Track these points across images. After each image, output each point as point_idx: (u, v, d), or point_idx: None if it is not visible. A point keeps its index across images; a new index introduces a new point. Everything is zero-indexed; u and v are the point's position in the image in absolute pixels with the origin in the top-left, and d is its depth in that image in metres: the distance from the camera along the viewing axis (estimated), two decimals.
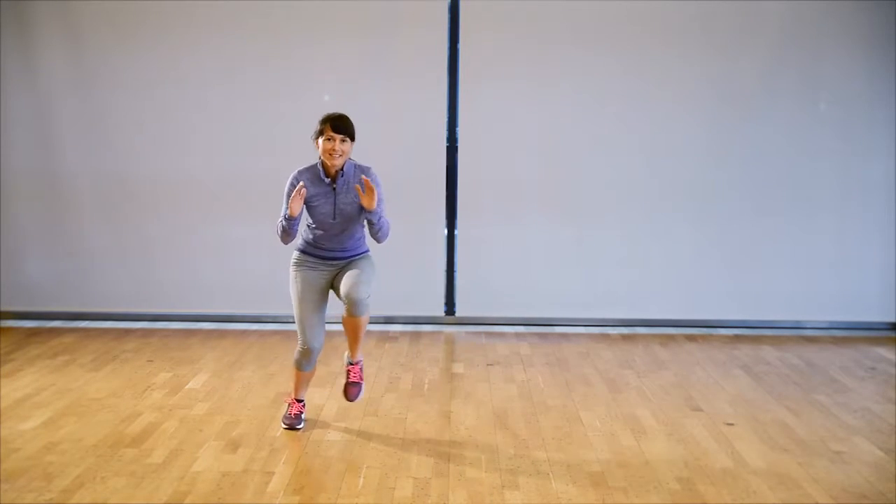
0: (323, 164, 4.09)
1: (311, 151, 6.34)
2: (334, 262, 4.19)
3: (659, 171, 6.41)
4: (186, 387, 4.96)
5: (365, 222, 4.15)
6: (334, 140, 4.01)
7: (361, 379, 4.32)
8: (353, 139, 4.07)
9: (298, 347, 4.20)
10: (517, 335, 6.24)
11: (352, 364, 4.30)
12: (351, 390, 4.28)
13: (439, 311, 6.56)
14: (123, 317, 6.53)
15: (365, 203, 3.97)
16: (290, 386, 4.45)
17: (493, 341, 6.09)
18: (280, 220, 4.08)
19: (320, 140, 4.04)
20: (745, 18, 6.24)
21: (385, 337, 6.16)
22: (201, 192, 6.41)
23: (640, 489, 3.64)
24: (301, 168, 4.17)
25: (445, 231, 6.49)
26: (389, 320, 6.51)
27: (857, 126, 6.35)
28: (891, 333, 6.41)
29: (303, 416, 4.36)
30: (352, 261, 4.20)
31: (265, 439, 4.16)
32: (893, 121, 6.31)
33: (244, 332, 6.30)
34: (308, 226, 4.20)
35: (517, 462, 3.91)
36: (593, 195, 6.43)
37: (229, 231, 6.45)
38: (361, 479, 3.72)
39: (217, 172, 6.39)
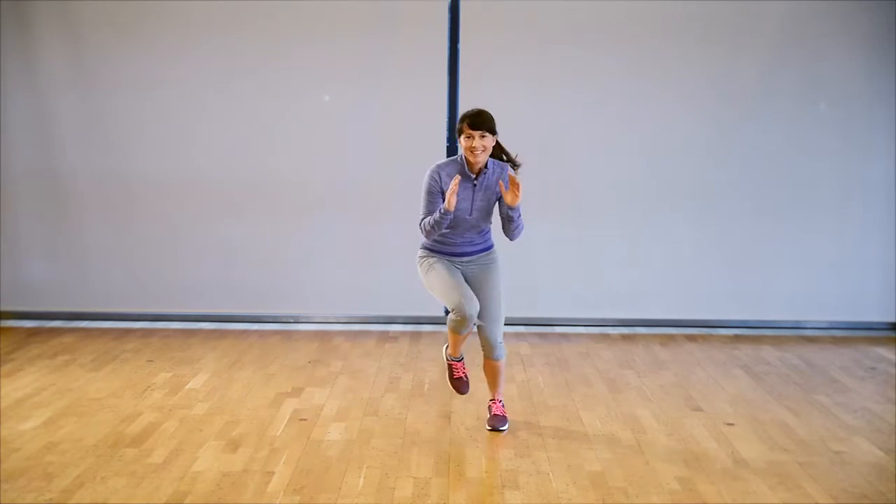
0: (466, 160, 4.09)
1: (310, 150, 6.38)
2: (464, 258, 4.22)
3: (659, 171, 6.41)
4: (186, 387, 4.96)
5: (489, 223, 4.21)
6: (474, 137, 4.03)
7: (504, 412, 4.38)
8: (493, 133, 4.09)
9: (453, 316, 4.11)
10: (517, 335, 6.24)
11: (494, 401, 4.40)
12: (496, 422, 4.32)
13: (439, 311, 6.55)
14: (123, 317, 6.52)
15: (509, 199, 4.02)
16: (447, 348, 4.40)
17: None
18: (431, 217, 4.05)
19: (461, 139, 4.06)
20: (745, 18, 6.24)
21: (385, 337, 6.16)
22: (201, 191, 6.41)
23: (640, 489, 3.64)
24: (440, 163, 4.18)
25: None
26: (389, 320, 6.51)
27: (857, 126, 6.35)
28: (891, 333, 6.41)
29: (468, 376, 4.41)
30: (483, 262, 4.22)
31: (265, 439, 4.16)
32: (893, 121, 6.31)
33: (244, 332, 6.30)
34: None
35: (517, 462, 3.91)
36: (593, 195, 6.43)
37: (229, 231, 6.45)
38: (361, 479, 3.72)
39: (217, 172, 6.39)
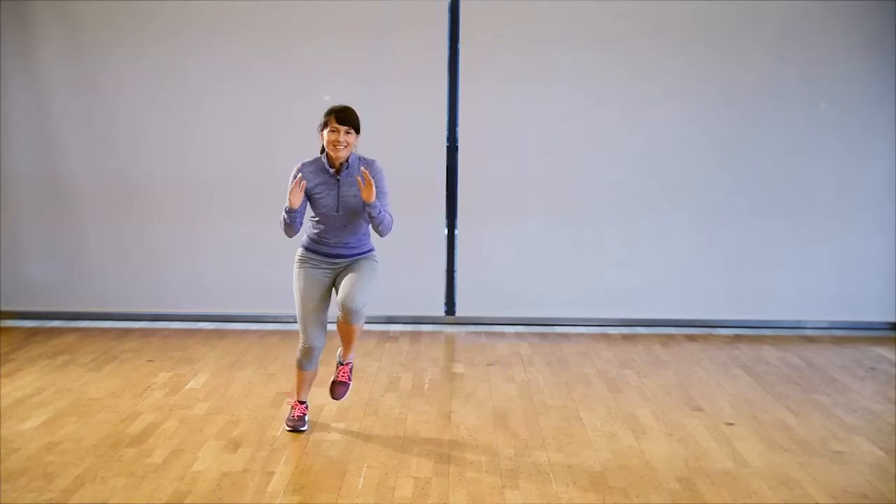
0: (328, 155, 4.09)
1: (310, 150, 6.38)
2: (338, 260, 4.18)
3: (659, 171, 6.41)
4: (186, 387, 4.96)
5: (365, 222, 4.16)
6: (338, 132, 4.04)
7: (349, 379, 4.37)
8: (357, 131, 4.10)
9: (300, 346, 4.20)
10: (517, 335, 6.24)
11: (342, 364, 4.36)
12: (336, 389, 4.35)
13: (439, 311, 6.56)
14: (123, 317, 6.53)
15: (364, 195, 3.98)
16: (293, 387, 4.44)
17: (493, 341, 6.09)
18: (283, 213, 4.09)
19: (325, 132, 4.07)
20: (746, 19, 6.24)
21: (385, 337, 6.16)
22: (201, 191, 6.41)
23: (640, 489, 3.64)
24: (305, 160, 4.19)
25: (445, 231, 6.49)
26: (389, 320, 6.51)
27: (857, 126, 6.35)
28: (891, 333, 6.41)
29: (306, 418, 4.36)
30: (356, 260, 4.19)
31: (265, 439, 4.16)
32: (893, 121, 6.31)
33: (244, 332, 6.30)
34: (311, 220, 4.21)
35: (517, 462, 3.91)
36: (593, 195, 6.43)
37: (229, 231, 6.45)
38: (361, 479, 3.72)
39: (217, 172, 6.39)
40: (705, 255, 6.47)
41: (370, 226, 4.16)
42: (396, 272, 6.35)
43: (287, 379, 5.12)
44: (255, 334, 6.22)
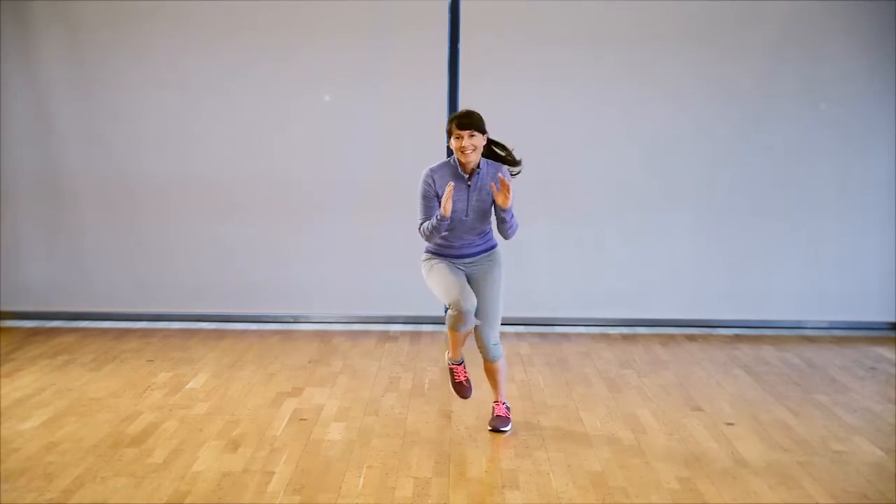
0: (458, 161, 4.11)
1: (312, 150, 6.38)
2: (466, 259, 4.22)
3: (659, 170, 6.41)
4: (186, 387, 4.96)
5: (494, 219, 4.20)
6: (462, 137, 4.04)
7: (509, 413, 4.38)
8: (483, 132, 4.09)
9: (451, 312, 4.09)
10: (517, 335, 6.24)
11: (497, 403, 4.39)
12: (498, 422, 4.32)
13: (439, 311, 6.55)
14: (123, 317, 6.53)
15: (500, 201, 4.02)
16: (448, 352, 4.39)
17: None
18: (429, 222, 4.08)
19: (451, 139, 4.09)
20: (745, 19, 6.24)
21: (385, 337, 6.16)
22: (202, 191, 6.41)
23: (640, 489, 3.64)
24: (433, 166, 4.20)
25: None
26: (389, 320, 6.51)
27: (857, 126, 6.35)
28: (891, 333, 6.41)
29: (469, 380, 4.40)
30: (483, 261, 4.22)
31: (265, 439, 4.16)
32: (893, 121, 6.31)
33: (244, 332, 6.30)
34: None
35: (517, 462, 3.91)
36: (593, 195, 6.43)
37: (229, 231, 6.45)
38: (362, 479, 3.72)
39: (217, 172, 6.39)
40: (705, 255, 6.47)
41: (498, 226, 4.19)
42: (396, 272, 6.37)
43: (287, 379, 5.12)
44: (255, 334, 6.22)
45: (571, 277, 6.48)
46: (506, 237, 4.23)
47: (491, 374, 4.34)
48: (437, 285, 4.19)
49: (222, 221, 6.44)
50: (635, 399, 4.81)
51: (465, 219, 4.14)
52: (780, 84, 6.30)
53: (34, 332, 6.19)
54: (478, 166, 4.14)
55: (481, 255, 4.25)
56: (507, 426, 4.32)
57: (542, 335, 6.26)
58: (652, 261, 6.46)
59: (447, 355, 4.43)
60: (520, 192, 6.38)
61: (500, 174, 4.07)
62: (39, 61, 6.31)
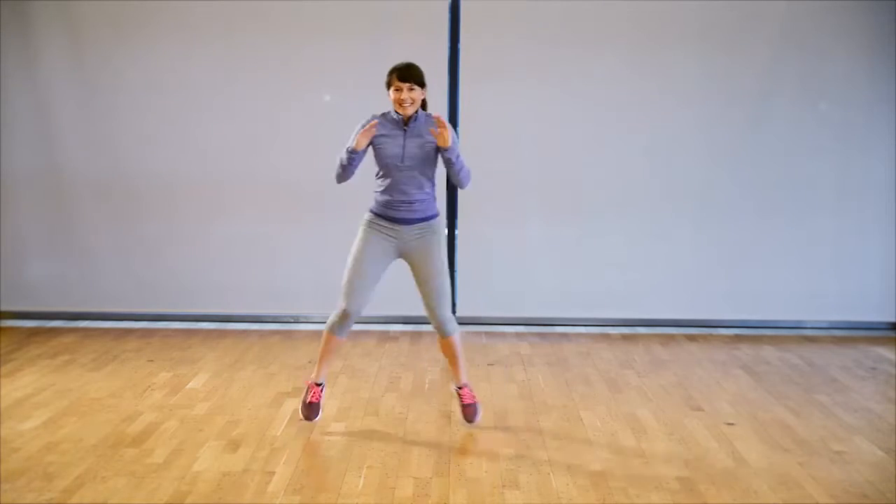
0: (396, 113, 4.15)
1: (312, 150, 6.38)
2: (405, 227, 4.19)
3: (659, 170, 6.41)
4: (187, 387, 4.96)
5: (430, 177, 4.19)
6: (402, 90, 4.08)
7: (475, 399, 4.38)
8: (422, 86, 4.12)
9: (337, 310, 4.20)
10: (517, 335, 6.24)
11: (460, 388, 4.37)
12: (467, 412, 4.35)
13: None
14: (123, 317, 6.52)
15: (440, 141, 4.03)
16: (316, 360, 4.38)
17: (493, 341, 6.09)
18: (342, 154, 4.11)
19: (390, 92, 4.11)
20: (745, 18, 6.24)
21: (385, 337, 6.16)
22: (202, 191, 6.41)
23: (640, 489, 3.64)
24: (376, 114, 4.22)
25: (446, 231, 6.49)
26: (389, 320, 6.51)
27: (857, 126, 6.35)
28: (891, 333, 6.41)
29: (321, 405, 4.36)
30: (423, 236, 4.20)
31: (265, 439, 4.16)
32: (893, 121, 6.31)
33: (244, 332, 6.30)
34: (377, 180, 4.22)
35: (517, 462, 3.91)
36: (593, 195, 6.43)
37: (230, 231, 6.44)
38: (362, 479, 3.72)
39: (217, 172, 6.39)
40: (705, 255, 6.47)
41: (448, 174, 4.19)
42: (396, 272, 6.34)
43: (287, 379, 5.12)
44: (256, 334, 6.22)
45: (571, 277, 6.48)
46: (460, 184, 4.23)
47: (448, 350, 4.29)
48: (348, 267, 4.20)
49: (222, 221, 6.44)
50: (635, 399, 4.82)
51: (401, 165, 4.13)
52: (780, 84, 6.30)
53: (34, 332, 6.19)
54: (415, 116, 4.15)
55: (421, 224, 4.21)
56: (478, 415, 4.34)
57: (542, 335, 6.26)
58: (652, 261, 6.46)
59: (317, 358, 4.38)
60: (520, 192, 6.45)
61: (434, 115, 4.09)
62: (39, 61, 6.31)
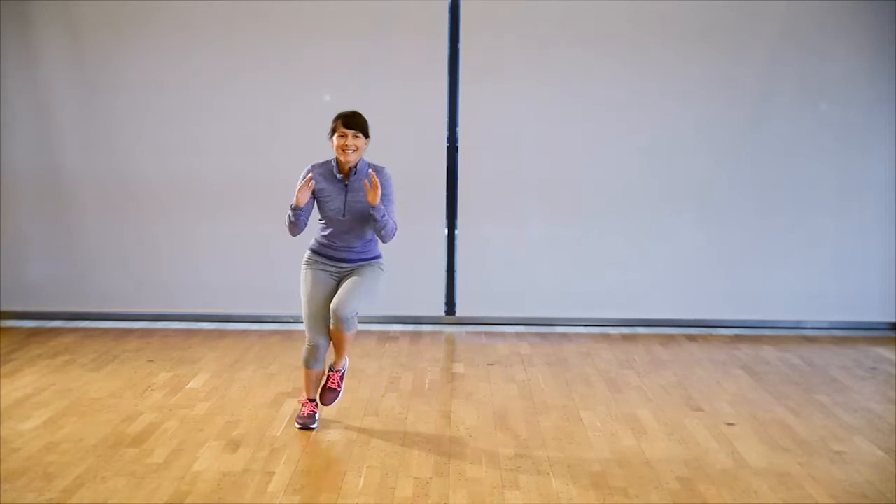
0: (337, 160, 4.16)
1: (312, 151, 6.37)
2: (344, 265, 4.25)
3: (659, 171, 6.41)
4: (187, 387, 4.96)
5: (371, 229, 4.22)
6: (346, 136, 4.10)
7: (339, 386, 4.41)
8: (366, 135, 4.15)
9: (305, 345, 4.26)
10: (517, 335, 6.24)
11: (333, 371, 4.39)
12: (326, 395, 4.40)
13: (439, 311, 6.56)
14: (123, 317, 6.53)
15: (369, 198, 4.04)
16: (303, 385, 4.45)
17: (494, 341, 6.09)
18: (288, 211, 4.16)
19: (334, 137, 4.13)
20: (746, 18, 6.24)
21: (385, 337, 6.16)
22: (202, 192, 6.41)
23: (640, 489, 3.64)
24: (315, 163, 4.26)
25: (445, 231, 6.49)
26: (389, 320, 6.51)
27: (857, 126, 6.35)
28: (891, 333, 6.41)
29: (316, 415, 4.37)
30: (361, 266, 4.25)
31: (265, 439, 4.16)
32: (893, 121, 6.31)
33: (244, 332, 6.30)
34: (319, 223, 4.27)
35: (517, 462, 3.91)
36: (593, 195, 6.43)
37: (230, 231, 6.45)
38: (362, 479, 3.72)
39: (217, 172, 6.39)
40: (705, 255, 6.47)
41: (373, 227, 4.19)
42: (396, 272, 6.35)
43: (287, 379, 5.12)
44: (256, 334, 6.22)
45: (571, 277, 6.48)
46: (383, 240, 4.22)
47: (337, 342, 4.23)
48: (303, 305, 4.24)
49: (222, 221, 6.44)
50: (635, 399, 4.82)
51: (343, 219, 4.16)
52: (780, 84, 6.30)
53: (34, 332, 6.19)
54: (356, 166, 4.16)
55: (360, 263, 4.25)
56: (335, 400, 4.37)
57: (542, 335, 6.26)
58: (652, 261, 6.46)
59: (303, 385, 4.39)
60: (520, 192, 6.44)
61: (370, 170, 4.10)
62: (39, 61, 6.31)
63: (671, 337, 6.25)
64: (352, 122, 4.11)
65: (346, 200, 4.15)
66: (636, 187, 6.42)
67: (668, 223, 6.44)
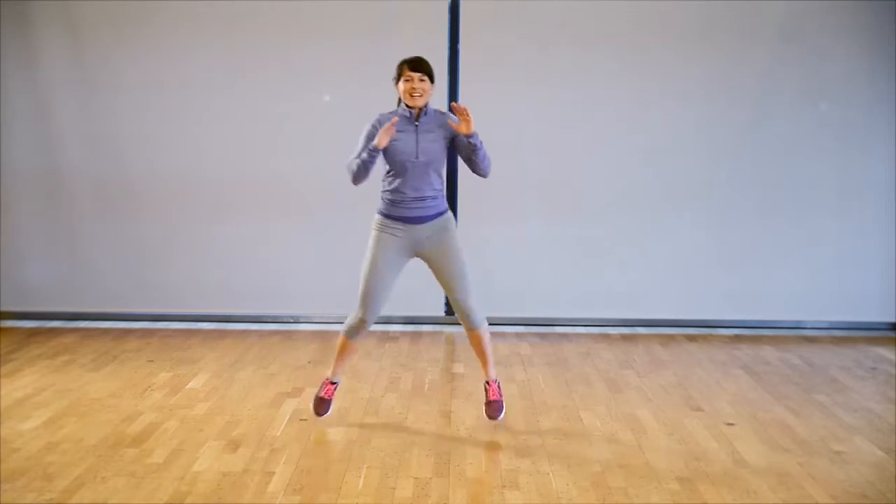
0: (406, 106, 4.15)
1: (312, 151, 6.39)
2: (417, 226, 4.18)
3: (659, 170, 6.41)
4: (187, 387, 4.96)
5: (441, 172, 4.20)
6: (412, 79, 4.08)
7: (500, 396, 4.39)
8: (432, 79, 4.14)
9: (354, 316, 4.24)
10: (517, 335, 6.24)
11: (488, 383, 4.40)
12: (490, 408, 4.36)
13: (439, 311, 6.55)
14: (123, 317, 6.53)
15: (464, 129, 4.03)
16: (299, 383, 4.45)
17: (493, 341, 6.05)
18: (357, 156, 4.12)
19: (400, 83, 4.12)
20: (746, 18, 6.24)
21: (385, 337, 6.16)
22: (201, 191, 6.41)
23: (640, 489, 3.64)
24: (382, 111, 4.23)
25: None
26: (389, 320, 6.51)
27: (857, 126, 6.35)
28: (891, 333, 6.41)
29: (332, 402, 4.38)
30: (436, 227, 4.19)
31: (265, 439, 4.16)
32: (893, 121, 6.31)
33: (244, 332, 6.30)
34: (386, 178, 4.22)
35: (517, 462, 3.91)
36: (593, 195, 6.43)
37: (230, 231, 6.45)
38: (362, 479, 3.72)
39: (217, 172, 6.39)
40: (705, 255, 6.47)
41: (470, 163, 4.20)
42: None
43: (287, 379, 5.12)
44: (256, 334, 6.22)
45: (571, 277, 6.48)
46: (483, 171, 4.24)
47: (477, 343, 4.34)
48: (364, 274, 4.20)
49: (222, 221, 6.44)
50: (635, 399, 4.82)
51: (415, 161, 4.13)
52: (780, 84, 6.30)
53: (34, 333, 6.19)
54: (424, 109, 4.16)
55: (434, 222, 4.21)
56: (502, 413, 4.35)
57: (542, 335, 6.26)
58: (652, 261, 6.46)
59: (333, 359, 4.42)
60: (520, 192, 6.44)
61: (453, 103, 4.11)
62: (39, 61, 6.31)
63: (671, 337, 6.25)
64: (418, 65, 4.09)
65: (417, 141, 4.12)
66: (636, 187, 6.42)
67: (668, 223, 6.44)
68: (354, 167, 4.14)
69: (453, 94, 6.33)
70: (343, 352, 4.36)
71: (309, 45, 6.29)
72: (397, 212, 4.20)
